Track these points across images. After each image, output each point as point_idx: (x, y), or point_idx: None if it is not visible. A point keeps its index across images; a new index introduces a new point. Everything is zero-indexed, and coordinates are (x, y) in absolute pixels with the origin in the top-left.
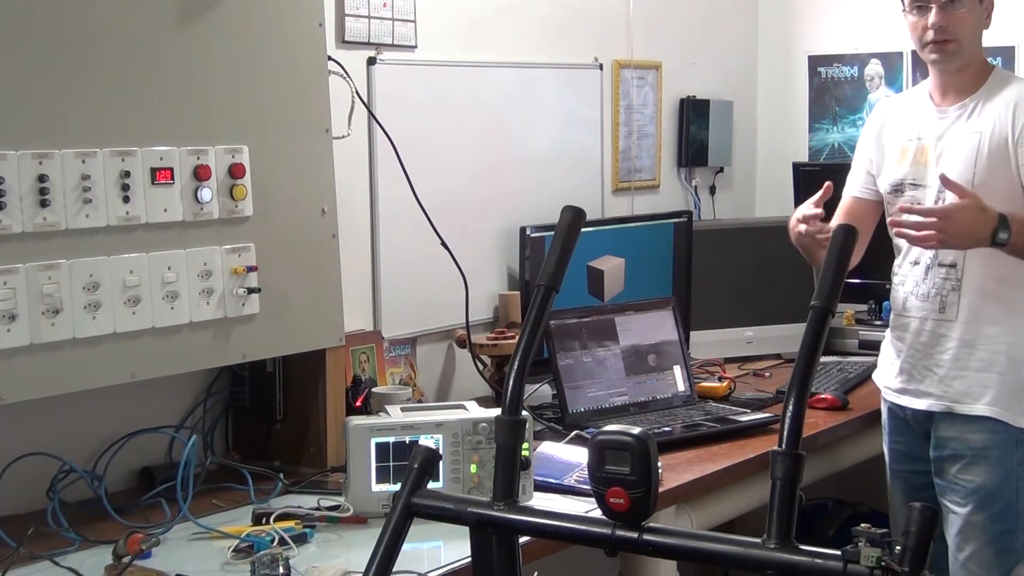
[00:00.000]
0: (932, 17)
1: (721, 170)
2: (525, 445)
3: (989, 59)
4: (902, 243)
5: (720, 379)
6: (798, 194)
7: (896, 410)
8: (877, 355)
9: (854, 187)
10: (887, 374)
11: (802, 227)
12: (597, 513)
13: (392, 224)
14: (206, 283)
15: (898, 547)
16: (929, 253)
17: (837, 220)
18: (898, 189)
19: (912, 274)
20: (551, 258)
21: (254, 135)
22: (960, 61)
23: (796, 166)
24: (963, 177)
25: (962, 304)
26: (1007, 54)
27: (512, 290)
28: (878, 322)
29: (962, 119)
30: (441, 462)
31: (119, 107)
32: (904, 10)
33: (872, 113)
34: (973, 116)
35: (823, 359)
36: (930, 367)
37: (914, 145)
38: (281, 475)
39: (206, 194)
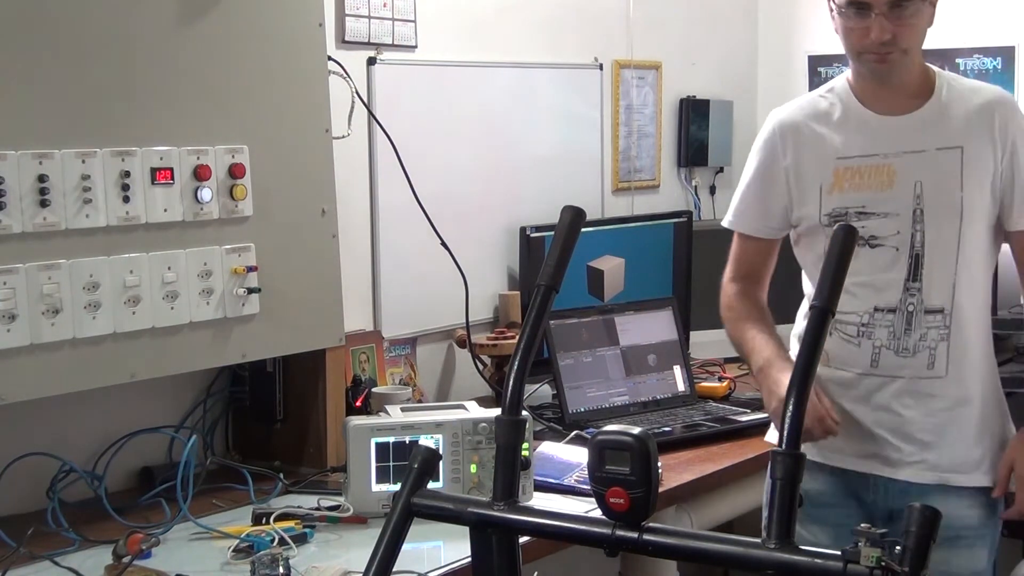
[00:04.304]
0: (876, 27)
1: (721, 170)
2: (525, 445)
3: (977, 57)
4: (856, 284)
5: (720, 379)
6: None
7: (848, 478)
8: None
9: (750, 224)
10: (829, 440)
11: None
12: (597, 513)
13: (392, 224)
14: (206, 283)
15: (898, 547)
16: (909, 296)
17: (734, 266)
18: (838, 219)
19: (883, 323)
20: (551, 258)
21: (254, 135)
22: (905, 71)
23: None
24: (949, 202)
25: (952, 357)
26: (1007, 54)
27: (512, 290)
28: None
29: (926, 131)
30: (441, 462)
31: (119, 107)
32: (833, 10)
33: (766, 132)
34: (939, 127)
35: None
36: (912, 433)
37: (858, 164)
38: (281, 475)
39: (206, 194)
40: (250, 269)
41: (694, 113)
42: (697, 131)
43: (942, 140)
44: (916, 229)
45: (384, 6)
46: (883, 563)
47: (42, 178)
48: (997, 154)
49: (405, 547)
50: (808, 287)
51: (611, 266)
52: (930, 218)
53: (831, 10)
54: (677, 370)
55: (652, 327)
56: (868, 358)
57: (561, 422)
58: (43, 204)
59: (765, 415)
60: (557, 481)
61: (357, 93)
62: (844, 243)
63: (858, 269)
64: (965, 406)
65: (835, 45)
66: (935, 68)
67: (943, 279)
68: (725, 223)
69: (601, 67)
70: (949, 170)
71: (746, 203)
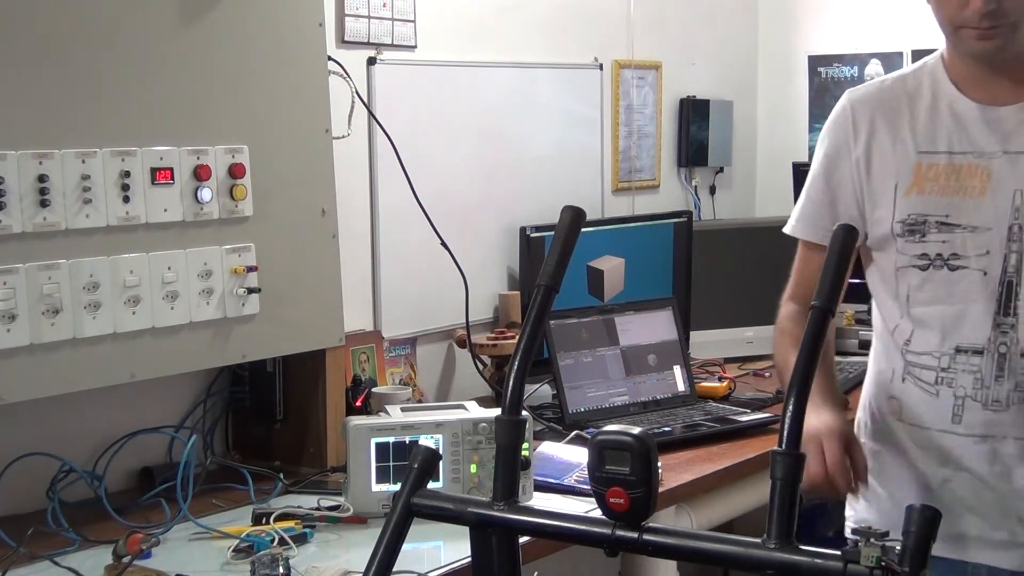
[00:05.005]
0: None
1: (721, 170)
2: (525, 445)
3: None
4: (932, 315)
5: (720, 379)
6: (798, 194)
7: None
8: None
9: (814, 230)
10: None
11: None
12: (597, 513)
13: (392, 224)
14: (206, 283)
15: (898, 547)
16: (1001, 335)
17: (795, 283)
18: (914, 229)
19: (967, 367)
20: (551, 258)
21: (254, 135)
22: (1013, 50)
23: (796, 166)
24: None
25: None
26: None
27: (512, 290)
28: None
29: None
30: (441, 462)
31: (119, 107)
32: None
33: (835, 114)
34: None
35: None
36: (1011, 508)
37: (945, 162)
38: (281, 475)
39: (206, 194)
40: (250, 269)
41: (694, 113)
42: (697, 131)
43: None
44: (1011, 249)
45: (384, 6)
46: (883, 563)
47: (42, 178)
48: None
49: (405, 547)
50: (878, 320)
51: (611, 266)
52: None
53: None
54: (677, 370)
55: (652, 327)
56: (949, 411)
57: (561, 422)
58: (43, 204)
59: (765, 415)
60: (557, 481)
61: (357, 93)
62: (844, 243)
63: (935, 296)
64: None
65: (835, 45)
66: None
67: None
68: (786, 229)
69: (601, 67)
70: None
71: (810, 203)
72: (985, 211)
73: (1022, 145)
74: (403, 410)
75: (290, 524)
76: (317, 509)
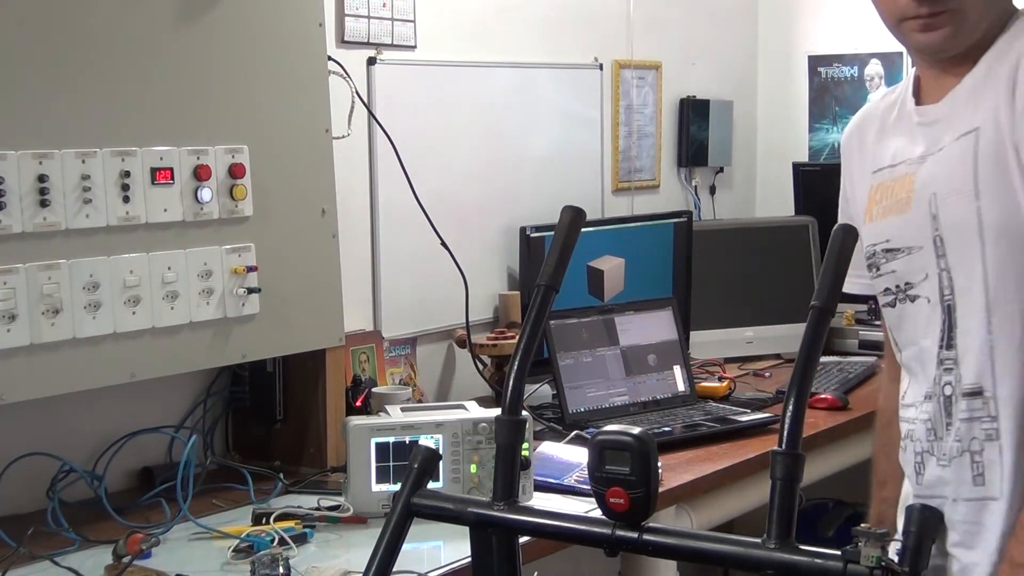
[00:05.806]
0: None
1: (721, 170)
2: (525, 445)
3: None
4: (910, 359)
5: (720, 379)
6: (798, 194)
7: None
8: (878, 355)
9: (852, 280)
10: None
11: None
12: (597, 513)
13: (392, 224)
14: (206, 283)
15: (898, 547)
16: (945, 373)
17: (886, 345)
18: (871, 263)
19: (923, 415)
20: (551, 258)
21: (254, 135)
22: (964, 41)
23: (796, 166)
24: (964, 218)
25: (1007, 464)
26: None
27: (512, 290)
28: (878, 322)
29: (952, 117)
30: (441, 462)
31: (119, 107)
32: None
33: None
34: (968, 107)
35: (823, 359)
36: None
37: (888, 178)
38: (281, 475)
39: (206, 194)
40: (250, 269)
41: (694, 113)
42: (697, 131)
43: (964, 124)
44: (941, 267)
45: (384, 6)
46: (883, 563)
47: (42, 178)
48: (1018, 120)
49: (405, 547)
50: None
51: (611, 266)
52: (951, 248)
53: None
54: (677, 370)
55: (652, 327)
56: (912, 469)
57: (561, 422)
58: (43, 204)
59: (765, 415)
60: (557, 481)
61: (357, 93)
62: (844, 243)
63: (907, 337)
64: None
65: (835, 45)
66: (1017, 11)
67: (975, 342)
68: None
69: (601, 67)
70: (960, 168)
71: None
72: (913, 227)
73: (938, 141)
74: (403, 410)
75: (290, 524)
76: (317, 509)
